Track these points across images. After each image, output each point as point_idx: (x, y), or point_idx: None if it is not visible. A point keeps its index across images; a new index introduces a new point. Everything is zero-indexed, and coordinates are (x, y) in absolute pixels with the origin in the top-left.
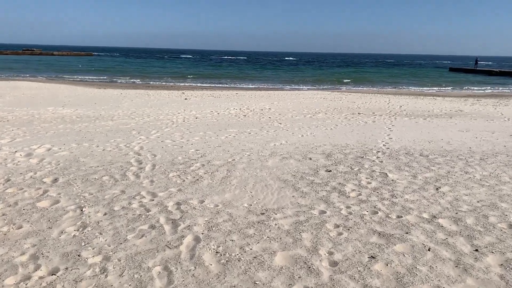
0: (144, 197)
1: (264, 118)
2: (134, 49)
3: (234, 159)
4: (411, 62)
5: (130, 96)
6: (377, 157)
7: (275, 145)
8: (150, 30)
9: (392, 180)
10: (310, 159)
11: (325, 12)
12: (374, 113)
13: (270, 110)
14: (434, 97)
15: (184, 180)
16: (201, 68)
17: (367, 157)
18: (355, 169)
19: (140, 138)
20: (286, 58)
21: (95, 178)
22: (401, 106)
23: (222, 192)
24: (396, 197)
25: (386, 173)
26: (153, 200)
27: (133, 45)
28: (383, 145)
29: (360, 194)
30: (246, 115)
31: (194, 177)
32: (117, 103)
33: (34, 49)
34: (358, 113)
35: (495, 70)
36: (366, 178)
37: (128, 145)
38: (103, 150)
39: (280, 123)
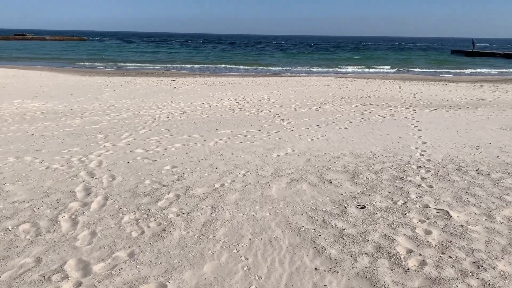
0: (67, 276)
1: (263, 112)
2: (132, 33)
3: (223, 184)
4: (407, 45)
5: (114, 84)
6: (422, 178)
7: (278, 156)
8: (148, 14)
9: (461, 225)
10: (330, 182)
11: None
12: (387, 103)
13: (270, 101)
14: (447, 83)
15: (143, 231)
16: (198, 52)
17: (408, 177)
18: (398, 202)
19: (104, 147)
20: (285, 43)
21: (7, 229)
22: (415, 95)
23: (200, 260)
24: (485, 269)
25: (447, 211)
26: (79, 286)
27: (132, 30)
28: (420, 154)
29: (424, 263)
30: (242, 107)
31: (160, 223)
32: (97, 93)
33: (26, 34)
34: (370, 104)
35: (499, 52)
36: (421, 222)
37: (84, 158)
38: (47, 168)
39: (283, 119)
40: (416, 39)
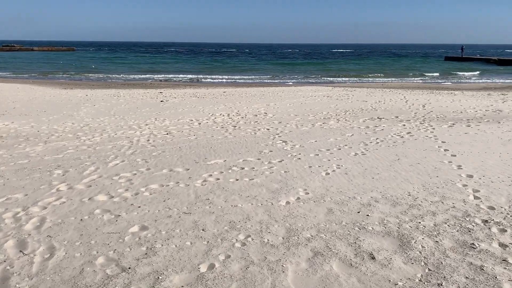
0: None
1: (260, 131)
2: (123, 43)
3: (212, 265)
4: (399, 52)
5: (96, 98)
6: (501, 244)
7: (288, 203)
8: (140, 24)
9: None
10: (373, 258)
11: (309, 3)
12: (397, 117)
13: (267, 116)
14: (452, 92)
15: None
16: (190, 62)
17: (480, 243)
18: None
19: (56, 191)
20: (281, 50)
21: None
22: (424, 106)
23: None
24: None
25: None
26: None
27: (123, 40)
28: (474, 196)
29: None
30: (237, 125)
31: None
32: (74, 110)
33: (15, 45)
34: (379, 118)
35: (493, 58)
36: None
37: (22, 214)
38: None
39: (285, 141)
40: (403, 45)
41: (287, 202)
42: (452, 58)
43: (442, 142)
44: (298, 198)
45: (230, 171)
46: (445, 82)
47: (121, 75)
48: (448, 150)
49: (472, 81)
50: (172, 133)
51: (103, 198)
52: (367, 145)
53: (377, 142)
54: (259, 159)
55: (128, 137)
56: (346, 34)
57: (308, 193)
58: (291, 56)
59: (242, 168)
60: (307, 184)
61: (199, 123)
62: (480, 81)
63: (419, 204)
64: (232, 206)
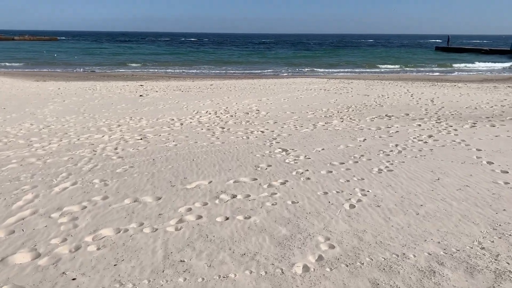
0: None
1: (254, 134)
2: (115, 33)
3: None
4: (388, 42)
5: (68, 92)
6: None
7: (307, 270)
8: (128, 14)
9: None
10: None
11: None
12: (408, 114)
13: (260, 114)
14: (455, 84)
15: None
16: (176, 53)
17: None
18: None
19: None
20: (264, 40)
21: None
22: (432, 101)
23: None
24: None
25: None
26: None
27: (116, 30)
28: None
29: None
30: (225, 126)
31: None
32: (39, 106)
33: None
34: (388, 116)
35: (484, 48)
36: None
37: None
38: None
39: (286, 150)
40: (390, 36)
41: (305, 268)
42: (442, 49)
43: (477, 150)
44: (320, 257)
45: (217, 201)
46: (442, 72)
47: (103, 66)
48: (493, 163)
49: (471, 73)
50: (147, 138)
51: (23, 258)
52: (388, 155)
53: (400, 151)
54: (255, 179)
55: (92, 143)
56: (330, 23)
57: (334, 247)
58: (278, 48)
59: (234, 196)
60: (328, 226)
61: (181, 124)
62: (479, 72)
63: (508, 270)
64: (220, 277)
